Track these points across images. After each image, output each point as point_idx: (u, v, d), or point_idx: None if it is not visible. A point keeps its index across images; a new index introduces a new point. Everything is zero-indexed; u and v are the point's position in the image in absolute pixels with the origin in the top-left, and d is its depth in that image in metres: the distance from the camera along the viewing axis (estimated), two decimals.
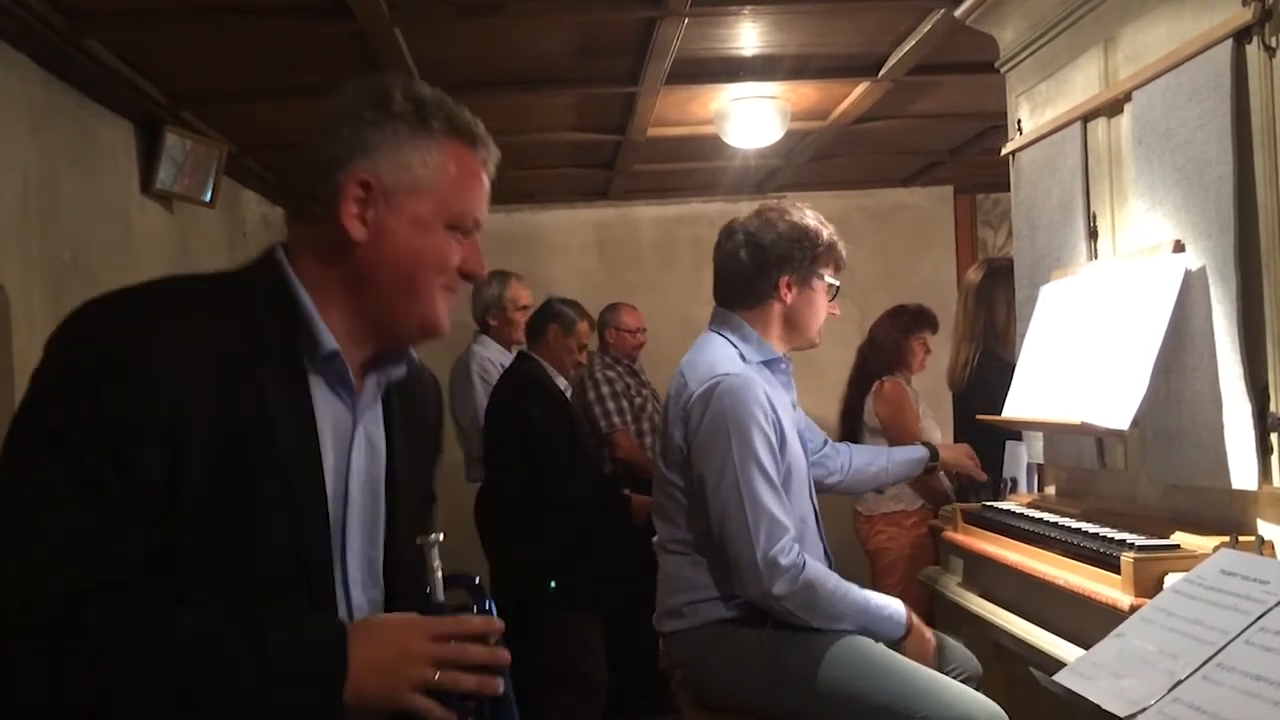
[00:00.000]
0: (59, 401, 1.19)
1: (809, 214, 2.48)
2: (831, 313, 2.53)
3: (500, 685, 1.28)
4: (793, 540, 2.25)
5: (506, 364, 4.40)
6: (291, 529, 1.27)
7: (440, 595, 1.33)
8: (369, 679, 1.21)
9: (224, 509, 1.21)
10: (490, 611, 1.35)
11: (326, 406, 1.33)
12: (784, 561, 2.22)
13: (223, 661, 1.16)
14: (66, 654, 1.13)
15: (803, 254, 2.43)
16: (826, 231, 2.46)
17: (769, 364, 2.44)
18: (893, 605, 2.36)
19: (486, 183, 1.42)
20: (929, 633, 2.40)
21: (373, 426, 1.39)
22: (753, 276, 2.45)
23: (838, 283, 2.51)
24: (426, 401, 1.55)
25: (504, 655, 1.30)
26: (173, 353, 1.20)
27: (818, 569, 2.28)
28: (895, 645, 2.34)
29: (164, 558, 1.19)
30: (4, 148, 3.09)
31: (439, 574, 1.34)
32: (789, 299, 2.45)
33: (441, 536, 1.36)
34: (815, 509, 2.49)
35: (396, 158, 1.33)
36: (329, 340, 1.32)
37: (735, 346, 2.43)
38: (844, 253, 2.52)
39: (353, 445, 1.36)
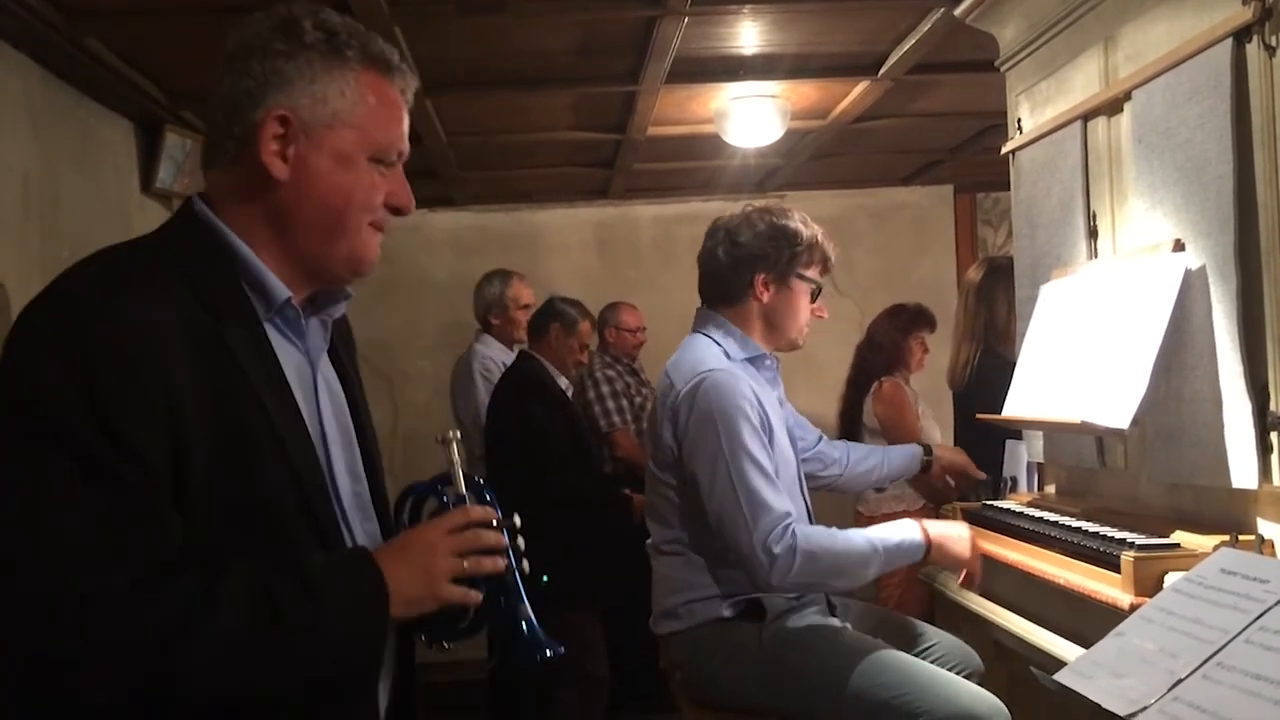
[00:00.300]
0: (52, 398, 1.14)
1: (793, 215, 2.48)
2: (817, 314, 2.52)
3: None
4: (784, 525, 2.22)
5: (508, 363, 4.40)
6: (294, 484, 1.28)
7: (462, 488, 1.41)
8: (408, 586, 1.28)
9: (228, 477, 1.21)
10: (494, 504, 1.42)
11: (287, 356, 1.33)
12: (777, 550, 2.20)
13: (280, 610, 1.18)
14: (139, 644, 1.13)
15: (779, 253, 2.43)
16: (808, 232, 2.45)
17: (753, 360, 2.45)
18: (900, 532, 2.31)
19: (406, 112, 1.38)
20: (954, 530, 2.36)
21: (325, 368, 1.40)
22: (729, 275, 2.47)
23: (819, 282, 2.50)
24: (348, 335, 1.54)
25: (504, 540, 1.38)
26: (148, 333, 1.18)
27: (812, 537, 2.24)
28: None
29: (185, 534, 1.20)
30: (4, 147, 3.09)
31: (459, 467, 1.41)
32: (766, 298, 2.45)
33: (459, 434, 1.46)
34: (808, 505, 2.49)
35: (313, 90, 1.29)
36: (281, 288, 1.31)
37: (719, 344, 2.43)
38: (831, 254, 2.51)
39: (317, 390, 1.36)
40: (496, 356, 4.56)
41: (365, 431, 1.44)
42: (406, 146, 1.38)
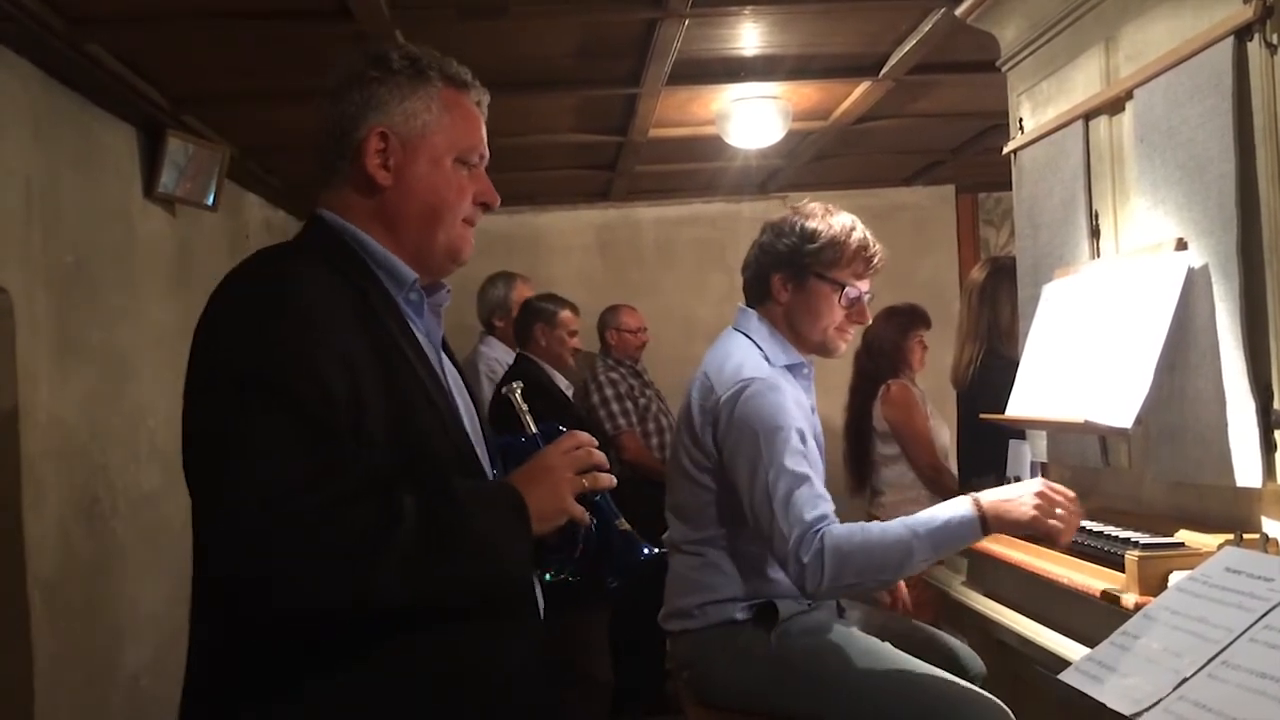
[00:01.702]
0: (264, 361, 1.33)
1: (822, 215, 2.39)
2: (855, 320, 2.44)
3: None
4: (812, 531, 2.13)
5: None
6: (448, 438, 1.49)
7: (533, 427, 1.64)
8: (540, 503, 1.46)
9: (397, 427, 1.40)
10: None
11: (418, 331, 1.54)
12: (806, 558, 2.12)
13: (444, 526, 1.36)
14: (341, 558, 1.30)
15: (794, 252, 2.36)
16: (830, 231, 2.36)
17: (791, 368, 2.40)
18: (946, 511, 2.11)
19: (483, 121, 1.61)
20: (1013, 493, 2.09)
21: (438, 343, 1.61)
22: (753, 274, 2.45)
23: (843, 283, 2.37)
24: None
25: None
26: (327, 302, 1.40)
27: (840, 538, 2.12)
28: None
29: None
30: (6, 152, 3.10)
31: (528, 414, 1.65)
32: (785, 298, 2.40)
33: (520, 385, 1.73)
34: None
35: (404, 108, 1.53)
36: (409, 270, 1.53)
37: (760, 348, 2.38)
38: (873, 256, 2.40)
39: (441, 361, 1.58)
40: (501, 358, 4.56)
41: (478, 406, 1.66)
42: (486, 150, 1.61)
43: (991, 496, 2.10)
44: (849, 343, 2.48)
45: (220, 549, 1.31)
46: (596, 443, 1.55)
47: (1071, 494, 2.11)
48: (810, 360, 2.46)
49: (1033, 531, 2.10)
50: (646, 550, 1.61)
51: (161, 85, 3.69)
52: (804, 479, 2.20)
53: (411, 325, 1.53)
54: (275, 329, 1.35)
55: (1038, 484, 2.12)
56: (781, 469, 2.20)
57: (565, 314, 4.23)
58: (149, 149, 3.99)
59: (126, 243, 3.86)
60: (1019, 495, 2.09)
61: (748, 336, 2.42)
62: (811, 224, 2.38)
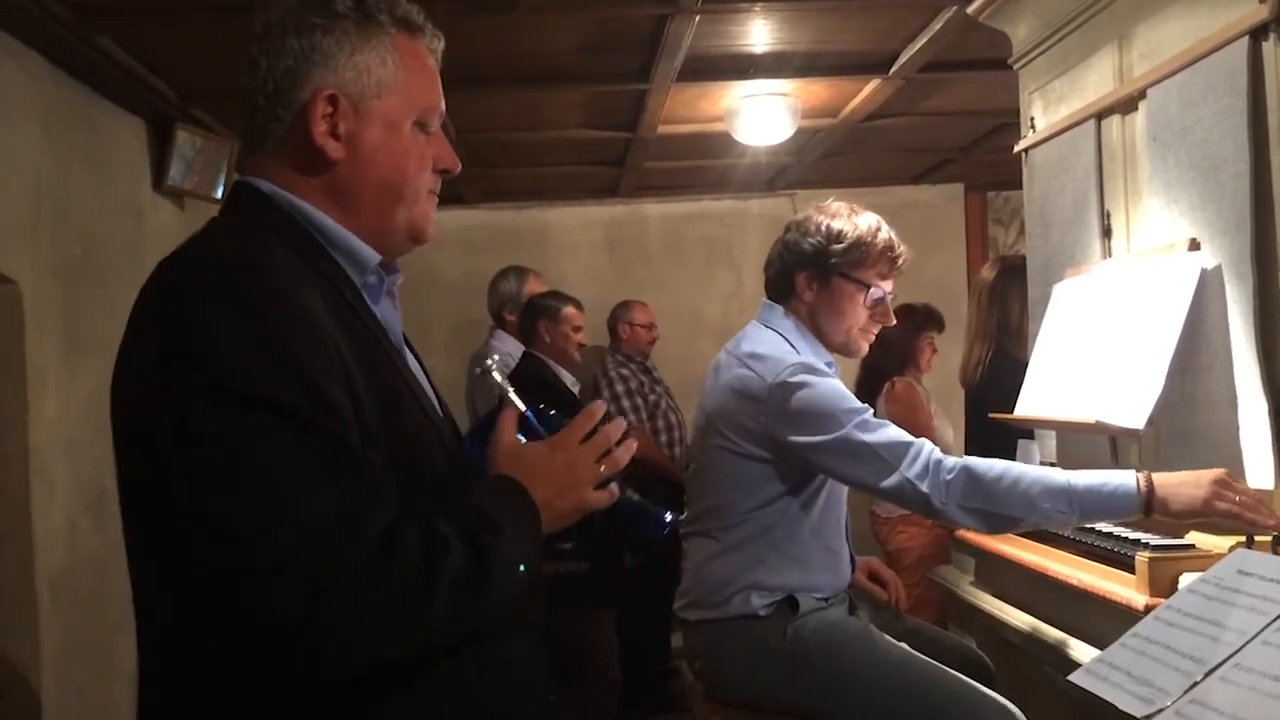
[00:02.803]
0: (253, 366, 1.11)
1: (848, 215, 2.39)
2: (879, 320, 2.43)
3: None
4: (925, 449, 2.13)
5: None
6: (438, 436, 1.33)
7: (520, 404, 1.41)
8: (557, 503, 1.30)
9: (388, 427, 1.22)
10: (556, 413, 1.45)
11: (384, 318, 1.36)
12: (936, 474, 2.09)
13: (482, 547, 1.19)
14: (394, 601, 1.12)
15: (819, 251, 2.36)
16: (857, 232, 2.35)
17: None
18: (1112, 479, 1.98)
19: (438, 71, 1.37)
20: (1188, 479, 1.94)
21: (398, 329, 1.41)
22: (777, 271, 2.44)
23: (868, 284, 2.37)
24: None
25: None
26: (308, 299, 1.19)
27: (974, 461, 2.08)
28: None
29: None
30: (16, 145, 3.10)
31: (511, 390, 1.42)
32: (809, 297, 2.39)
33: (495, 359, 1.49)
34: (845, 513, 2.47)
35: (355, 61, 1.28)
36: (370, 252, 1.32)
37: (790, 345, 2.38)
38: (897, 256, 2.39)
39: (402, 349, 1.39)
40: (513, 351, 4.55)
41: (438, 395, 1.46)
42: (443, 107, 1.38)
43: (1163, 476, 1.96)
44: (870, 343, 2.47)
45: (268, 600, 1.08)
46: (608, 415, 1.39)
47: (1249, 487, 1.97)
48: (834, 360, 2.45)
49: (1207, 515, 1.92)
50: (663, 519, 1.48)
51: (170, 78, 3.69)
52: (875, 425, 2.18)
53: (374, 312, 1.33)
54: (267, 329, 1.13)
55: (1215, 471, 1.94)
56: (854, 428, 2.18)
57: (569, 310, 4.22)
58: (158, 142, 4.00)
59: (135, 236, 3.87)
60: (1193, 478, 1.94)
61: (776, 331, 2.41)
62: (837, 224, 2.37)
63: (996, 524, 2.10)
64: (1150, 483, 1.93)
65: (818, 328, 2.41)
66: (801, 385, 2.25)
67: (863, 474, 2.20)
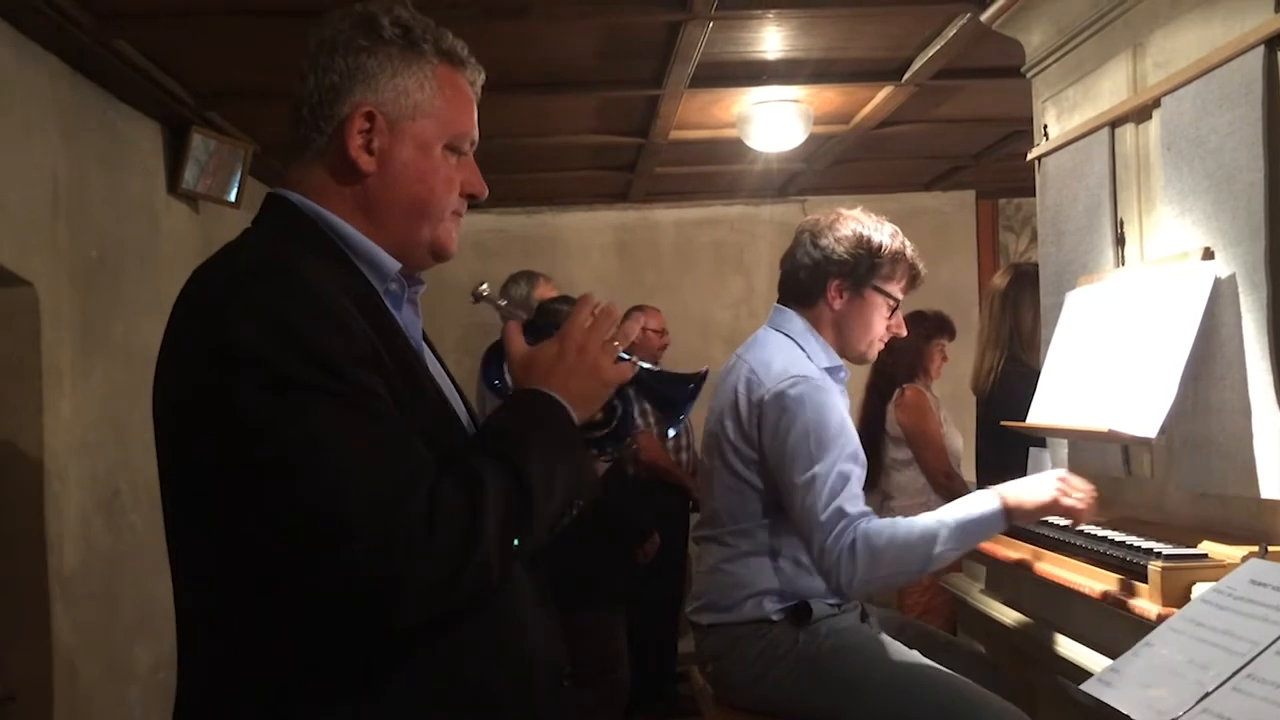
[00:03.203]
0: (288, 353, 1.20)
1: (882, 227, 2.42)
2: (894, 330, 2.47)
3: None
4: (845, 524, 2.17)
5: None
6: (457, 423, 1.41)
7: (523, 315, 1.50)
8: (583, 388, 1.37)
9: (420, 417, 1.30)
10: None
11: (406, 324, 1.43)
12: (840, 555, 2.16)
13: (520, 469, 1.27)
14: (458, 548, 1.21)
15: (857, 262, 2.38)
16: (893, 246, 2.39)
17: (831, 371, 2.40)
18: (971, 505, 2.18)
19: (475, 103, 1.47)
20: (1030, 485, 2.18)
21: (419, 336, 1.48)
22: (805, 276, 2.43)
23: (898, 298, 2.43)
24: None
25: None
26: (338, 296, 1.26)
27: (871, 531, 2.16)
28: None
29: None
30: (34, 147, 3.12)
31: (506, 303, 1.51)
32: (838, 305, 2.41)
33: (485, 285, 1.57)
34: None
35: (395, 84, 1.37)
36: (391, 260, 1.39)
37: (802, 349, 2.39)
38: (918, 272, 2.44)
39: (423, 352, 1.46)
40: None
41: (463, 396, 1.54)
42: (477, 136, 1.47)
43: (1009, 487, 2.19)
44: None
45: (340, 564, 1.17)
46: (600, 301, 1.45)
47: (1088, 484, 2.19)
48: (845, 366, 2.47)
49: (1053, 513, 2.18)
50: (690, 378, 1.51)
51: (187, 82, 3.72)
52: (848, 478, 2.23)
53: (396, 319, 1.40)
54: (304, 323, 1.21)
55: (1055, 471, 2.24)
56: (832, 468, 2.21)
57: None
58: (174, 145, 4.02)
59: (150, 238, 3.89)
60: (1037, 481, 2.20)
61: (788, 336, 2.42)
62: (876, 237, 2.39)
63: (902, 583, 2.26)
64: (1002, 497, 2.16)
65: (842, 335, 2.43)
66: (796, 402, 2.27)
67: (801, 523, 2.24)
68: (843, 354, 2.46)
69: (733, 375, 2.41)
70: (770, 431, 2.29)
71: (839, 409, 2.30)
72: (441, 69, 1.41)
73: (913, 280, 2.45)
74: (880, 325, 2.44)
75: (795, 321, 2.44)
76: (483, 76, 1.47)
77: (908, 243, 2.43)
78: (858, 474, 2.26)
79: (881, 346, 2.48)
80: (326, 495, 1.17)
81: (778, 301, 2.50)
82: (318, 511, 1.17)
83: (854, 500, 2.21)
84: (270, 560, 1.22)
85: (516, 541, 1.26)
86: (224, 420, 1.20)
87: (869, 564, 2.15)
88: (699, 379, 1.51)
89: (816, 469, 2.21)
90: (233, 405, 1.19)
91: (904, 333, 2.51)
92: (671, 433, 1.59)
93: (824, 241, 2.41)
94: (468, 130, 1.44)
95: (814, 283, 2.41)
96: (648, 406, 1.57)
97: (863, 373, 4.47)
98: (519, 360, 1.42)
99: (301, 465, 1.18)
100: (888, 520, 2.22)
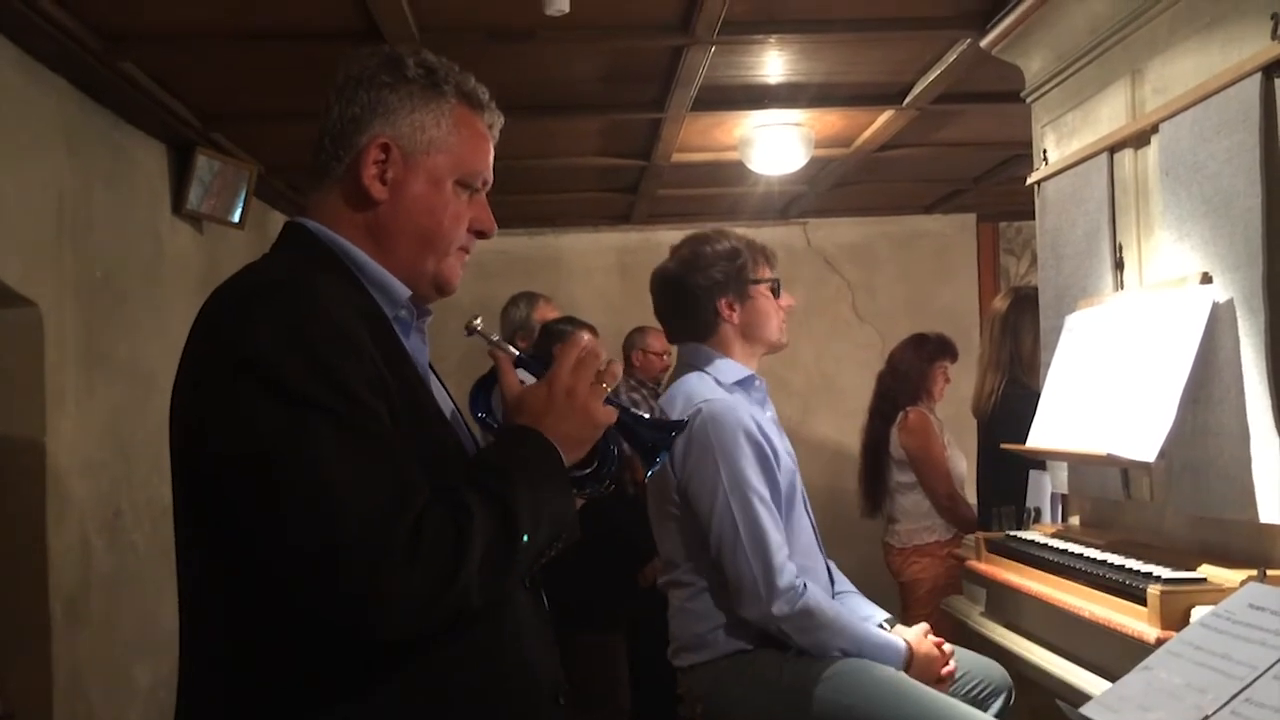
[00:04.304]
0: (302, 377, 1.23)
1: (714, 235, 2.54)
2: (786, 307, 2.56)
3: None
4: (789, 562, 2.27)
5: None
6: (458, 450, 1.43)
7: (514, 350, 1.53)
8: (572, 431, 1.40)
9: (422, 439, 1.34)
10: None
11: (413, 351, 1.46)
12: (781, 583, 2.25)
13: (507, 506, 1.29)
14: (444, 561, 1.23)
15: (727, 273, 2.47)
16: (740, 243, 2.51)
17: (742, 384, 2.46)
18: (892, 645, 2.33)
19: (491, 145, 1.51)
20: (935, 656, 2.36)
21: (426, 362, 1.51)
22: (692, 313, 2.50)
23: (774, 278, 2.53)
24: None
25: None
26: (350, 317, 1.31)
27: (818, 598, 2.29)
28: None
29: None
30: (40, 167, 3.14)
31: (496, 337, 1.52)
32: (735, 318, 2.49)
33: (479, 318, 1.55)
34: (812, 522, 2.50)
35: (413, 119, 1.43)
36: (401, 287, 1.43)
37: (709, 374, 2.46)
38: (760, 245, 2.56)
39: (429, 379, 1.49)
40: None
41: (465, 422, 1.56)
42: (491, 176, 1.51)
43: (923, 651, 2.34)
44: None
45: (325, 577, 1.20)
46: (590, 337, 1.47)
47: (949, 650, 2.39)
48: (761, 378, 2.53)
49: (934, 678, 2.33)
50: (672, 426, 1.58)
51: (192, 103, 3.74)
52: (767, 504, 2.30)
53: (404, 345, 1.44)
54: (314, 343, 1.25)
55: (946, 663, 2.37)
56: (745, 490, 2.28)
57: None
58: (178, 166, 4.04)
59: (155, 258, 3.90)
60: (938, 659, 2.35)
61: (700, 370, 2.49)
62: (723, 245, 2.51)
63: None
64: (913, 651, 2.33)
65: (750, 339, 2.51)
66: (700, 426, 2.33)
67: (732, 577, 2.30)
68: (758, 353, 2.54)
69: None
70: (680, 462, 2.35)
71: (748, 423, 2.35)
72: (460, 109, 1.46)
73: (770, 257, 2.56)
74: (775, 310, 2.53)
75: (699, 352, 2.51)
76: (501, 120, 1.52)
77: (740, 233, 2.56)
78: (768, 496, 2.32)
79: (786, 325, 2.56)
80: (318, 510, 1.20)
81: (677, 344, 2.60)
82: (308, 524, 1.20)
83: (780, 532, 2.29)
84: (264, 573, 1.25)
85: (498, 572, 1.28)
86: (230, 426, 1.24)
87: (803, 620, 2.26)
88: (680, 427, 1.57)
89: (730, 491, 2.28)
90: (240, 412, 1.23)
91: (793, 302, 2.59)
92: (650, 474, 1.61)
93: (691, 280, 2.49)
94: (480, 169, 1.48)
95: (705, 313, 2.49)
96: (627, 449, 1.58)
97: (863, 397, 4.48)
98: (511, 402, 1.45)
99: (298, 480, 1.21)
100: (826, 600, 2.32)
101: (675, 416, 2.37)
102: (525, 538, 1.30)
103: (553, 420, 1.40)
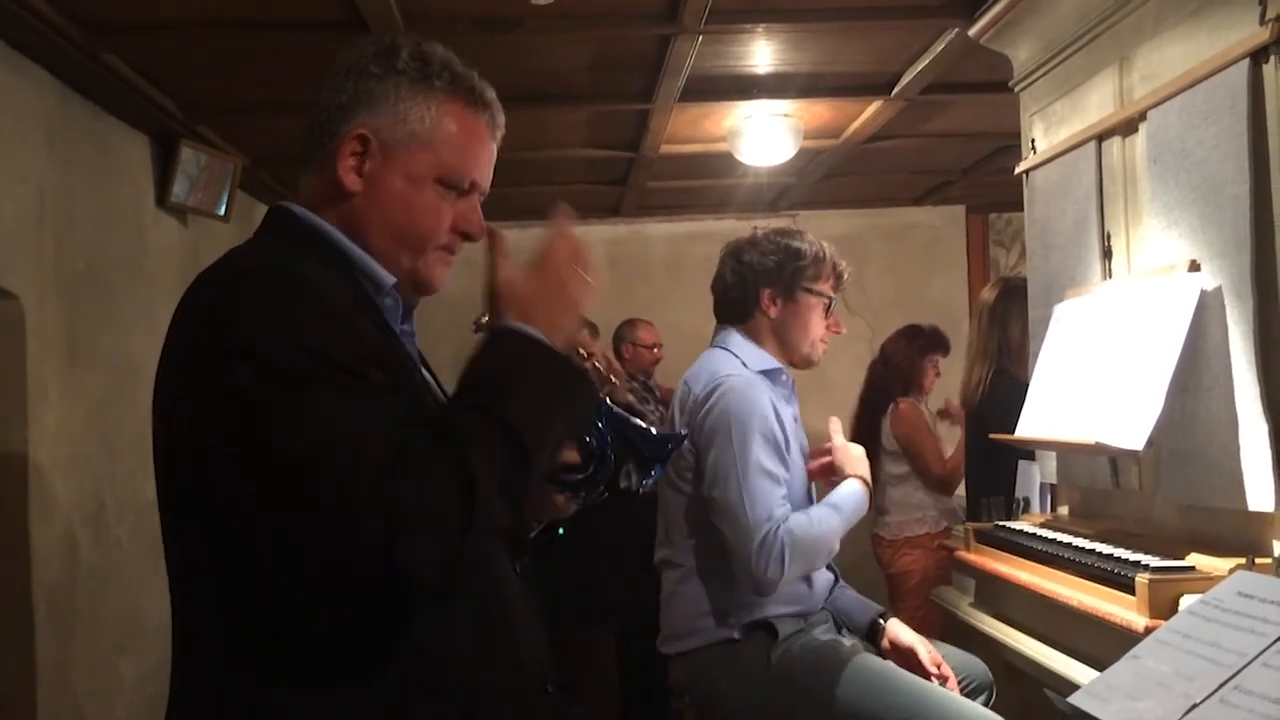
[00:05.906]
0: (286, 347, 1.21)
1: (799, 234, 2.53)
2: (833, 330, 2.55)
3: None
4: (774, 528, 2.26)
5: None
6: None
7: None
8: (558, 318, 1.38)
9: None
10: None
11: (402, 338, 1.44)
12: (768, 559, 2.24)
13: (499, 415, 1.27)
14: (447, 496, 1.20)
15: (782, 268, 2.47)
16: (813, 248, 2.49)
17: (769, 374, 2.46)
18: (846, 490, 2.42)
19: (491, 147, 1.46)
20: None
21: (414, 350, 1.49)
22: (736, 293, 2.51)
23: (830, 296, 2.52)
24: None
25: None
26: (337, 298, 1.29)
27: (796, 531, 2.27)
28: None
29: None
30: (21, 160, 3.11)
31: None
32: (774, 313, 2.49)
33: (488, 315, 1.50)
34: None
35: (396, 111, 1.38)
36: (386, 274, 1.40)
37: (736, 355, 2.47)
38: (843, 270, 2.54)
39: (417, 365, 1.46)
40: None
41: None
42: (484, 179, 1.45)
43: (853, 470, 2.46)
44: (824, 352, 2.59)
45: (346, 531, 1.17)
46: (561, 231, 1.46)
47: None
48: (790, 372, 2.53)
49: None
50: (670, 439, 1.57)
51: (176, 95, 3.71)
52: (771, 476, 2.29)
53: (393, 328, 1.41)
54: (302, 319, 1.23)
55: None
56: (750, 463, 2.28)
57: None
58: (162, 159, 4.01)
59: (138, 251, 3.87)
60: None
61: (726, 350, 2.49)
62: (795, 242, 2.49)
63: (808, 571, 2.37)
64: (860, 484, 2.44)
65: (783, 341, 2.51)
66: (720, 396, 2.35)
67: (728, 528, 2.29)
68: (789, 361, 2.52)
69: (677, 396, 2.52)
70: (698, 433, 2.36)
71: (763, 403, 2.35)
72: (451, 105, 1.41)
73: (839, 278, 2.53)
74: (819, 325, 2.51)
75: (733, 335, 2.52)
76: (503, 118, 1.47)
77: (826, 244, 2.52)
78: (780, 473, 2.33)
79: (825, 347, 2.55)
80: (326, 468, 1.17)
81: (718, 323, 2.58)
82: (318, 485, 1.17)
83: (779, 503, 2.29)
84: (260, 559, 1.23)
85: (515, 489, 1.27)
86: (224, 414, 1.21)
87: (792, 561, 2.24)
88: (677, 441, 1.63)
89: (739, 463, 2.27)
90: (233, 399, 1.21)
91: (843, 330, 2.59)
92: (646, 486, 1.60)
93: (748, 257, 2.49)
94: (466, 169, 1.42)
95: (746, 297, 2.49)
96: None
97: (852, 391, 4.47)
98: (503, 291, 1.40)
99: (301, 448, 1.18)
100: (803, 516, 2.31)
101: (699, 390, 2.39)
102: (526, 442, 1.27)
103: (541, 308, 1.37)
